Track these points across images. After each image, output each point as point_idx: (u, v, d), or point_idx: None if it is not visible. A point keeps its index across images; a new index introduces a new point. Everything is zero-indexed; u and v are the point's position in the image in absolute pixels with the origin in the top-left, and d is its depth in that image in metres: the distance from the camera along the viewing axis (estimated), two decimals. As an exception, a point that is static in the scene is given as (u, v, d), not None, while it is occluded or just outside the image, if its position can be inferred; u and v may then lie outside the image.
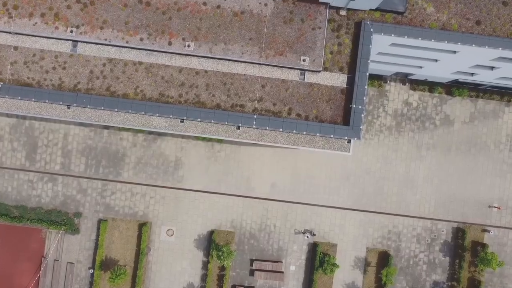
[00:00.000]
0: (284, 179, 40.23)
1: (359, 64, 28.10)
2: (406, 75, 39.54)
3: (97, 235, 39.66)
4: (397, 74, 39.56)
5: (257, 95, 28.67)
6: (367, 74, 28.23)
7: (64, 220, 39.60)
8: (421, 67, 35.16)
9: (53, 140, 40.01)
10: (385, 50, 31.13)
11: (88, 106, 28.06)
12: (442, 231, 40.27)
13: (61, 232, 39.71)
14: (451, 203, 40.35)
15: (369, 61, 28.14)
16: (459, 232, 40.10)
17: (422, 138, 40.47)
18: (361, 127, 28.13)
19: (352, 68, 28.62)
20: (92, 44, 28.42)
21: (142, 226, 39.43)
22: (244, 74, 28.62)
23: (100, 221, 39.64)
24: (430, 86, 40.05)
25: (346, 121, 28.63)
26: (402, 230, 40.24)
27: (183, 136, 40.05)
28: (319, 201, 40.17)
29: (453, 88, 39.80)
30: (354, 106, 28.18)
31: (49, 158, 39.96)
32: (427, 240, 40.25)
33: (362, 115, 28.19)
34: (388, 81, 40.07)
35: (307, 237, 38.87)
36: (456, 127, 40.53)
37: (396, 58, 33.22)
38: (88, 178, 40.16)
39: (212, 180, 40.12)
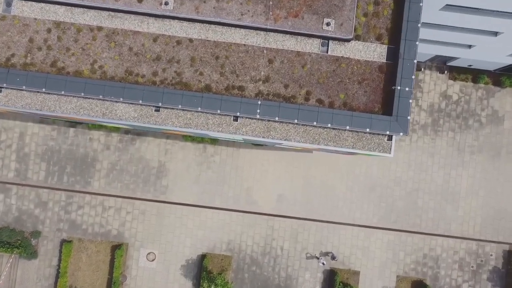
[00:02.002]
0: (293, 190, 31.30)
1: (406, 30, 19.42)
2: (445, 60, 30.82)
3: (60, 260, 30.61)
4: (434, 59, 30.84)
5: (262, 73, 19.93)
6: (417, 43, 19.52)
7: (18, 241, 30.57)
8: (470, 47, 26.47)
9: (6, 141, 31.13)
10: (432, 19, 22.46)
11: (24, 87, 19.26)
12: (491, 255, 31.24)
13: (14, 256, 30.66)
14: (501, 220, 31.36)
15: (419, 24, 19.43)
16: (511, 256, 31.09)
17: (464, 139, 31.62)
18: (408, 117, 19.33)
19: (394, 36, 19.95)
20: (33, 2, 19.72)
21: (116, 249, 30.41)
22: (244, 45, 19.93)
23: (63, 243, 30.61)
24: (474, 74, 31.32)
25: (386, 109, 19.88)
26: (440, 254, 31.18)
27: (167, 136, 31.18)
28: (338, 217, 31.19)
29: (503, 77, 31.06)
30: (398, 88, 19.43)
31: (0, 164, 31.04)
32: (472, 267, 31.19)
33: (410, 101, 19.41)
34: (422, 69, 31.34)
35: (323, 263, 29.84)
36: (506, 125, 31.69)
37: (443, 32, 24.55)
38: (49, 189, 31.19)
39: (204, 191, 31.18)
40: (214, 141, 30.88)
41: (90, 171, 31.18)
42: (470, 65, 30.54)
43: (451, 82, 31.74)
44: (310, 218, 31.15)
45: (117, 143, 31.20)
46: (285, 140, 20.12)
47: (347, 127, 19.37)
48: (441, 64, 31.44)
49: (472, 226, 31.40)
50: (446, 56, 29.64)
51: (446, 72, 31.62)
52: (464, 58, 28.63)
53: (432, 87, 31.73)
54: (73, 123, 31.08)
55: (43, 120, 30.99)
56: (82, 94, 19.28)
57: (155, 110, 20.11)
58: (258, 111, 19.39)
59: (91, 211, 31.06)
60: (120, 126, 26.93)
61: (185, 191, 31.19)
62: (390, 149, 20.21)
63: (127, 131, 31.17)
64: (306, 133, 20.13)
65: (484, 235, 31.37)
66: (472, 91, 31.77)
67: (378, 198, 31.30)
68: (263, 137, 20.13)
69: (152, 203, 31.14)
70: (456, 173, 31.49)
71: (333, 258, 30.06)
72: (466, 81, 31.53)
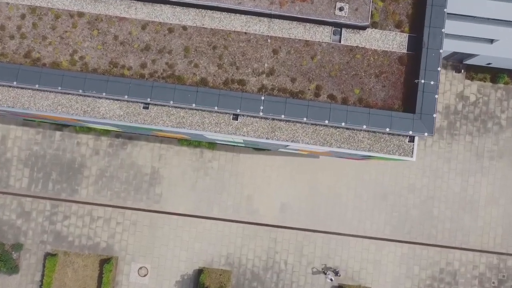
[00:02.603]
0: (298, 198, 28.54)
1: (430, 16, 16.82)
2: (461, 58, 28.24)
3: (43, 275, 27.76)
4: (449, 57, 28.25)
5: (266, 65, 17.30)
6: (443, 31, 16.91)
7: (-2, 254, 27.78)
8: (492, 41, 23.93)
9: (-14, 145, 28.44)
10: (456, 8, 19.91)
11: (-7, 80, 16.63)
12: (513, 269, 28.45)
13: (-7, 271, 27.86)
14: (524, 231, 28.61)
15: (445, 9, 16.84)
16: (535, 271, 28.30)
17: (483, 143, 28.94)
18: (434, 115, 16.66)
19: (416, 23, 17.36)
20: (5, -16, 17.17)
21: (105, 263, 27.57)
22: (245, 33, 17.34)
23: (47, 256, 27.78)
24: (493, 74, 28.72)
25: (408, 106, 17.23)
26: (459, 268, 28.35)
27: (161, 141, 28.48)
28: (346, 228, 28.40)
29: (525, 76, 28.50)
30: (422, 81, 16.80)
31: (-21, 170, 28.33)
32: (494, 283, 28.35)
33: (436, 96, 16.75)
34: (437, 68, 28.65)
35: (331, 279, 27.01)
36: (528, 129, 29.07)
37: (464, 24, 22.03)
38: (33, 197, 28.42)
39: (201, 200, 28.43)
40: (212, 145, 28.17)
41: (77, 178, 28.42)
42: (489, 64, 27.94)
43: (468, 82, 29.13)
44: (316, 230, 28.34)
45: (107, 147, 28.48)
46: (292, 141, 17.42)
47: (364, 127, 16.69)
48: (457, 63, 28.85)
49: (493, 238, 28.59)
50: (463, 54, 27.06)
51: (462, 71, 29.03)
52: (483, 55, 26.03)
53: (447, 88, 29.11)
54: (59, 126, 28.40)
55: (27, 122, 28.32)
56: (59, 88, 16.61)
57: (144, 108, 17.44)
58: (261, 108, 16.72)
59: (78, 221, 28.25)
60: (108, 128, 24.25)
61: (181, 199, 28.41)
62: (412, 152, 17.51)
63: (117, 135, 28.47)
64: (316, 134, 17.44)
65: (506, 248, 28.56)
66: (491, 91, 29.15)
67: (390, 207, 28.53)
68: (266, 138, 17.44)
69: (145, 213, 28.33)
70: (475, 180, 28.74)
71: (336, 273, 27.23)
72: (484, 81, 28.93)
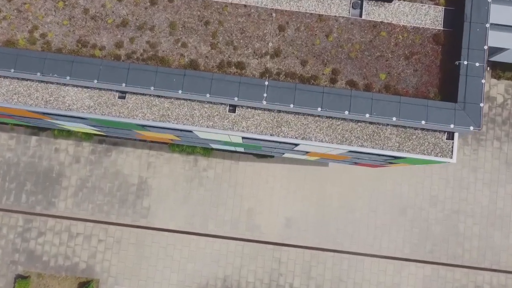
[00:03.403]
0: (305, 212, 24.85)
1: (472, -17, 13.44)
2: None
3: (13, 301, 23.98)
4: (474, 53, 24.76)
5: (270, 45, 13.87)
6: (489, 1, 13.51)
7: (-39, 276, 23.98)
8: (527, 32, 20.52)
9: (-48, 151, 24.89)
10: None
11: None
12: (551, 294, 24.57)
13: (-45, 296, 24.06)
14: (562, 250, 24.82)
15: (491, -25, 13.48)
16: None
17: (513, 150, 25.41)
18: (481, 104, 13.13)
19: (454, -6, 13.98)
20: None
21: (84, 287, 23.79)
22: (245, 5, 13.96)
23: (18, 279, 23.97)
24: (523, 72, 25.37)
25: (446, 94, 13.70)
26: (489, 293, 24.52)
27: (150, 147, 24.92)
28: (360, 247, 24.63)
29: (558, 75, 25.09)
30: (465, 63, 13.32)
31: None
32: (529, 309, 24.47)
33: (483, 81, 13.25)
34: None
35: (344, 305, 23.17)
36: None
37: (499, 9, 18.69)
38: (3, 211, 24.74)
39: (195, 214, 24.74)
40: (207, 152, 24.58)
41: (54, 189, 24.77)
42: (519, 60, 24.55)
43: (494, 81, 25.72)
44: (326, 248, 24.55)
45: (88, 154, 24.89)
46: (302, 138, 13.84)
47: (393, 119, 13.12)
48: (482, 60, 25.39)
49: (527, 258, 24.80)
50: (490, 48, 23.65)
51: (488, 69, 25.65)
52: (514, 49, 22.64)
53: (472, 87, 25.62)
54: (36, 130, 24.86)
55: (-2, 126, 24.83)
56: (12, 70, 13.11)
57: (119, 97, 13.92)
58: (265, 95, 13.18)
59: (55, 238, 24.48)
60: (83, 128, 20.74)
61: (172, 214, 24.71)
62: (452, 151, 13.90)
63: (101, 140, 24.91)
64: (332, 130, 13.87)
65: (542, 269, 24.76)
66: (521, 92, 25.73)
67: (410, 222, 24.78)
68: (271, 135, 13.85)
69: (131, 229, 24.59)
70: (505, 191, 25.07)
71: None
72: (513, 80, 25.55)
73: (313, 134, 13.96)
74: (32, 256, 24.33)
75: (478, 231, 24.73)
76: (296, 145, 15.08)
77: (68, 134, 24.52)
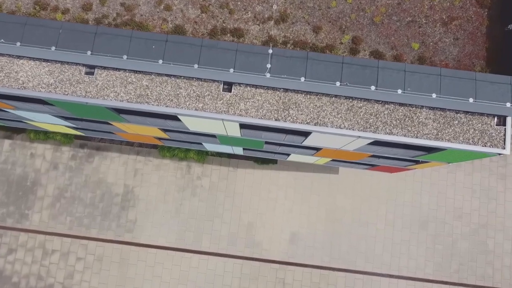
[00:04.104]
0: (312, 226, 21.64)
1: None
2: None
3: (-24, 330, 20.56)
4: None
5: (275, 8, 11.11)
6: (548, -50, 10.77)
7: None
8: None
9: None
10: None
11: None
12: None
13: None
14: None
15: None
16: None
17: (546, 156, 22.36)
18: (544, 78, 10.19)
19: None
20: None
21: (59, 313, 20.45)
22: (244, -40, 11.19)
23: (-18, 303, 20.67)
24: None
25: (496, 67, 10.77)
26: (525, 320, 21.08)
27: (138, 152, 21.91)
28: (375, 266, 21.32)
29: None
30: (520, 27, 10.45)
31: None
32: None
33: (544, 49, 10.36)
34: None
35: (359, 335, 19.74)
36: None
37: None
38: (-30, 225, 21.59)
39: (187, 228, 21.55)
40: (201, 157, 21.55)
41: (28, 199, 21.64)
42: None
43: (522, 79, 22.84)
44: (336, 268, 21.23)
45: (68, 160, 21.86)
46: (315, 124, 10.85)
47: (433, 95, 10.17)
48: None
49: None
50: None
51: None
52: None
53: (497, 86, 22.78)
54: (9, 133, 21.91)
55: (-32, 129, 21.88)
56: None
57: (87, 73, 11.00)
58: (269, 66, 10.27)
59: (27, 256, 21.22)
60: (49, 124, 17.80)
61: (161, 228, 21.52)
62: (504, 140, 10.90)
63: (82, 144, 21.91)
64: (352, 113, 10.90)
65: None
66: (552, 91, 22.80)
67: (432, 238, 21.53)
68: (276, 119, 10.87)
69: (114, 245, 21.35)
70: (539, 202, 21.91)
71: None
72: (543, 78, 22.63)
73: (328, 119, 10.98)
74: (0, 276, 21.02)
75: (510, 248, 21.46)
76: (307, 134, 12.07)
77: (45, 137, 21.57)
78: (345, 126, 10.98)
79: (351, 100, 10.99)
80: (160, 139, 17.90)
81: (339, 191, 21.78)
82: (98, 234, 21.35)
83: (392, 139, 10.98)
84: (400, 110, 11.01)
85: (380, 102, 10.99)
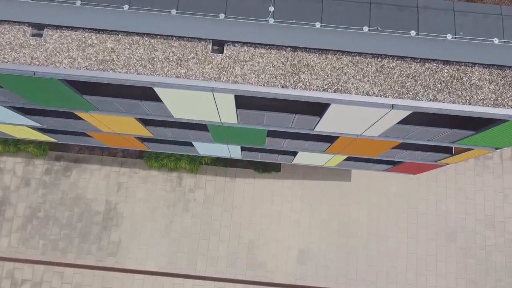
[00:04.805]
0: (324, 242, 18.60)
1: None
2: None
3: None
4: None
5: None
6: None
7: None
8: None
9: None
10: None
11: None
12: None
13: None
14: None
15: None
16: None
17: None
18: None
19: None
20: None
21: None
22: None
23: None
24: None
25: None
26: None
27: (122, 163, 19.06)
28: (400, 286, 18.15)
29: None
30: None
31: None
32: None
33: None
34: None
35: None
36: None
37: None
38: None
39: (179, 249, 18.45)
40: (194, 166, 18.69)
41: (-4, 221, 18.59)
42: None
43: (549, 69, 20.31)
44: (354, 289, 18.07)
45: (42, 175, 18.94)
46: (335, 91, 8.13)
47: (495, 41, 7.49)
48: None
49: None
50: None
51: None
52: None
53: (522, 78, 20.24)
54: (-26, 146, 19.05)
55: None
56: None
57: (33, 34, 8.32)
58: (272, 9, 7.64)
59: (-8, 288, 18.01)
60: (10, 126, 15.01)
61: (149, 250, 18.41)
62: None
63: (58, 157, 19.05)
64: (383, 76, 8.20)
65: None
66: None
67: (463, 251, 18.46)
68: (282, 86, 8.14)
69: (94, 271, 18.17)
70: None
71: None
72: None
73: (352, 84, 8.23)
74: (-40, 313, 17.76)
75: (553, 259, 18.40)
76: (322, 111, 9.29)
77: (15, 149, 18.72)
78: (374, 93, 8.23)
79: (380, 59, 8.28)
80: (143, 140, 15.09)
81: (352, 201, 18.84)
82: (76, 259, 18.20)
83: (438, 107, 8.20)
84: (445, 70, 8.28)
85: (418, 60, 8.28)
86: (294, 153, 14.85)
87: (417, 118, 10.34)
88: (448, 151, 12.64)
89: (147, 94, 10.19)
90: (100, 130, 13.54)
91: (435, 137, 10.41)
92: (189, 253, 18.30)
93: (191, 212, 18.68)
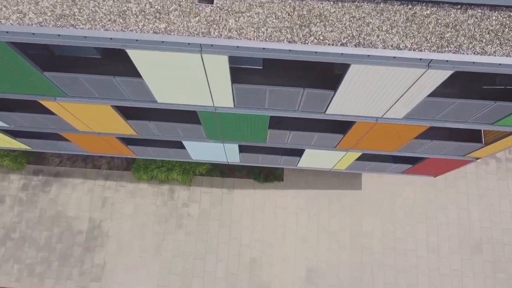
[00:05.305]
0: (334, 259, 16.42)
1: None
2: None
3: None
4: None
5: None
6: None
7: None
8: None
9: None
10: None
11: None
12: None
13: None
14: None
15: None
16: None
17: None
18: None
19: None
20: None
21: None
22: None
23: None
24: None
25: None
26: None
27: (107, 176, 17.07)
28: (423, 307, 15.90)
29: None
30: None
31: None
32: None
33: None
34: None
35: None
36: None
37: None
38: None
39: (171, 271, 16.23)
40: (187, 177, 16.71)
41: (-35, 245, 16.41)
42: None
43: None
44: (371, 312, 15.77)
45: (18, 191, 16.90)
46: (355, 45, 6.33)
47: None
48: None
49: None
50: None
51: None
52: None
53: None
54: None
55: None
56: None
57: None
58: None
59: (-41, 322, 15.65)
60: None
61: (137, 272, 16.19)
62: None
63: (37, 171, 17.07)
64: (415, 25, 6.44)
65: None
66: None
67: (490, 264, 16.31)
68: (289, 41, 6.34)
69: (75, 299, 15.89)
70: None
71: None
72: None
73: (378, 36, 6.45)
74: None
75: None
76: (339, 81, 7.46)
77: (-11, 163, 16.74)
78: (406, 46, 6.43)
79: (410, 6, 6.52)
80: (127, 143, 13.16)
81: (364, 211, 16.79)
82: (55, 285, 15.93)
83: (489, 61, 6.39)
84: (494, 17, 6.52)
85: (458, 7, 6.52)
86: (299, 153, 12.94)
87: (448, 93, 8.54)
88: (478, 139, 10.79)
89: (122, 69, 8.40)
90: (76, 130, 11.65)
91: (474, 114, 8.55)
92: (183, 275, 16.08)
93: (184, 229, 16.56)
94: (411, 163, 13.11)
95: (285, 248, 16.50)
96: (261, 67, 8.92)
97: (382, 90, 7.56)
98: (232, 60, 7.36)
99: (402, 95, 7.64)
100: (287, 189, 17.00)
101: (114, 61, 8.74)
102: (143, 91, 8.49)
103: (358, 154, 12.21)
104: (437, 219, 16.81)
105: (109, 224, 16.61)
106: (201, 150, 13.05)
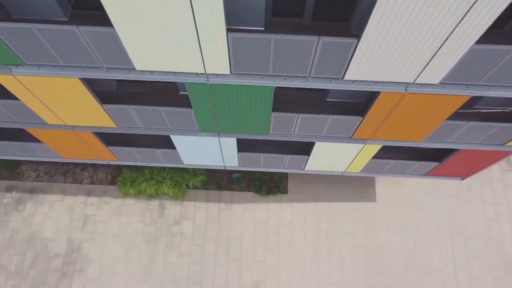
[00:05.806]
0: (348, 279, 14.19)
1: None
2: None
3: None
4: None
5: None
6: None
7: None
8: None
9: None
10: None
11: None
12: None
13: None
14: None
15: None
16: None
17: None
18: None
19: None
20: None
21: None
22: None
23: None
24: None
25: None
26: None
27: (88, 191, 15.05)
28: (455, 335, 13.52)
29: None
30: None
31: None
32: None
33: None
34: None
35: None
36: None
37: None
38: None
39: (162, 298, 13.91)
40: (179, 191, 14.73)
41: None
42: None
43: None
44: None
45: (-13, 210, 14.80)
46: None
47: None
48: None
49: None
50: None
51: None
52: None
53: None
54: None
55: None
56: None
57: None
58: None
59: None
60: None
61: (122, 301, 13.88)
62: None
63: (10, 187, 15.07)
64: None
65: None
66: None
67: (528, 284, 14.09)
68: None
69: (48, 334, 13.47)
70: None
71: None
72: None
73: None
74: None
75: None
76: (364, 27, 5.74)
77: (-44, 179, 14.73)
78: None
79: None
80: (108, 143, 11.29)
81: (380, 225, 14.72)
82: (25, 319, 13.56)
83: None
84: None
85: None
86: (307, 151, 11.08)
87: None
88: (523, 124, 8.99)
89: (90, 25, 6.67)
90: (46, 123, 9.82)
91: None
92: (175, 303, 13.77)
93: (176, 250, 14.37)
94: (437, 159, 11.24)
95: (291, 269, 14.29)
96: (263, 28, 7.23)
97: (423, 28, 5.79)
98: (228, 19, 5.69)
99: (449, 35, 5.86)
100: (292, 202, 14.98)
101: (85, 21, 7.02)
102: (117, 50, 6.74)
103: (377, 148, 10.37)
104: (463, 232, 14.73)
105: (90, 245, 14.42)
106: (193, 151, 11.17)
